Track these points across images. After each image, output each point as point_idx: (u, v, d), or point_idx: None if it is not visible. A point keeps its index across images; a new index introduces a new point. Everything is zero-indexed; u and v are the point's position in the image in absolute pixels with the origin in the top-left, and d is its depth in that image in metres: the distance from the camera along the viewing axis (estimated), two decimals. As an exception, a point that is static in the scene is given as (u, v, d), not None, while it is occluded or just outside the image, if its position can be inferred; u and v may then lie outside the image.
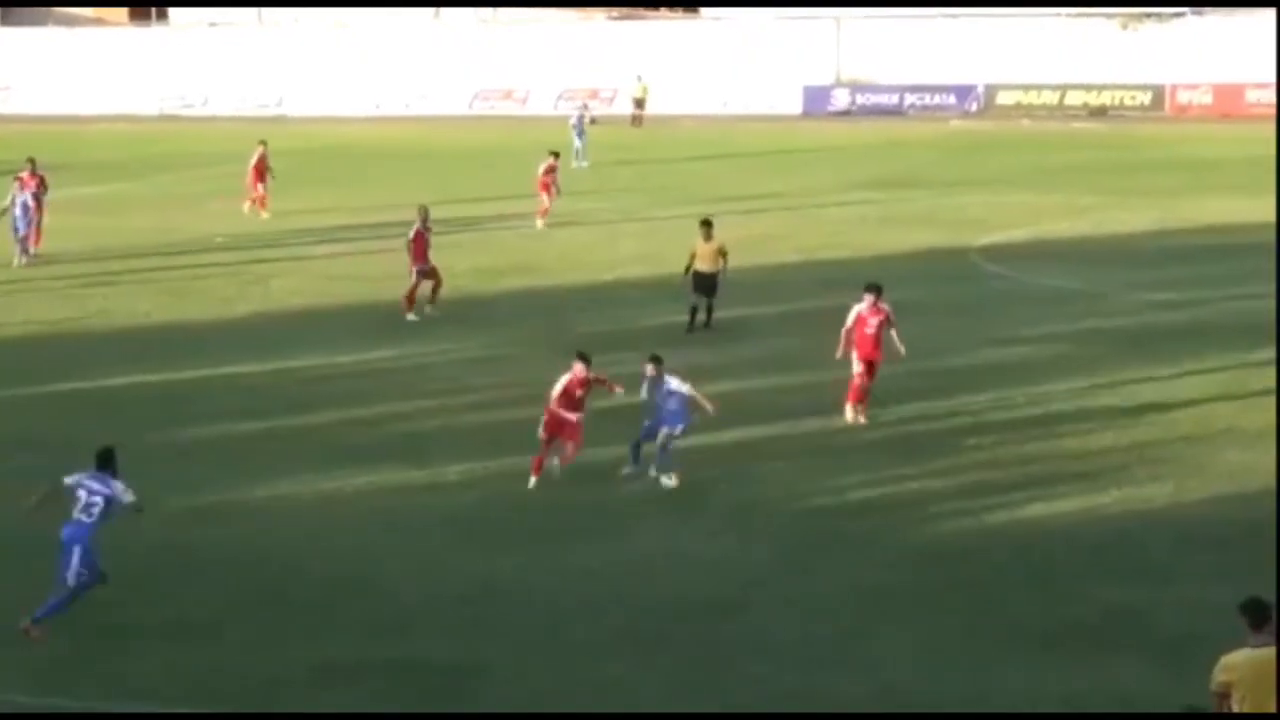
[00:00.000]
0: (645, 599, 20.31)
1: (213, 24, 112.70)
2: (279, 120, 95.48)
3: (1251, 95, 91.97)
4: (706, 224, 35.53)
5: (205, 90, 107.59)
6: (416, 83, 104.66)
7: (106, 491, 19.12)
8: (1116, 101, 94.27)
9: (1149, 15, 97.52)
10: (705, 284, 34.96)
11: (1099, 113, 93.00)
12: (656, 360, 25.06)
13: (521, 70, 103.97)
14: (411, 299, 36.98)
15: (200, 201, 58.84)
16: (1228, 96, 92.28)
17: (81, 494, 19.14)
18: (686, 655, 18.64)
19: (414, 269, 36.96)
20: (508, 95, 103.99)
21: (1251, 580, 17.04)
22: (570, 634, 19.28)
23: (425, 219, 37.40)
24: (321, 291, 40.91)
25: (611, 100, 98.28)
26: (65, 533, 19.05)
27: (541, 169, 52.00)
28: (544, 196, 51.55)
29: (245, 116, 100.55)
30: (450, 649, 18.89)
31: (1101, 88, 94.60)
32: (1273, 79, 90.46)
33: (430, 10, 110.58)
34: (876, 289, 27.98)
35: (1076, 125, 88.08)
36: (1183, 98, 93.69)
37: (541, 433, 24.52)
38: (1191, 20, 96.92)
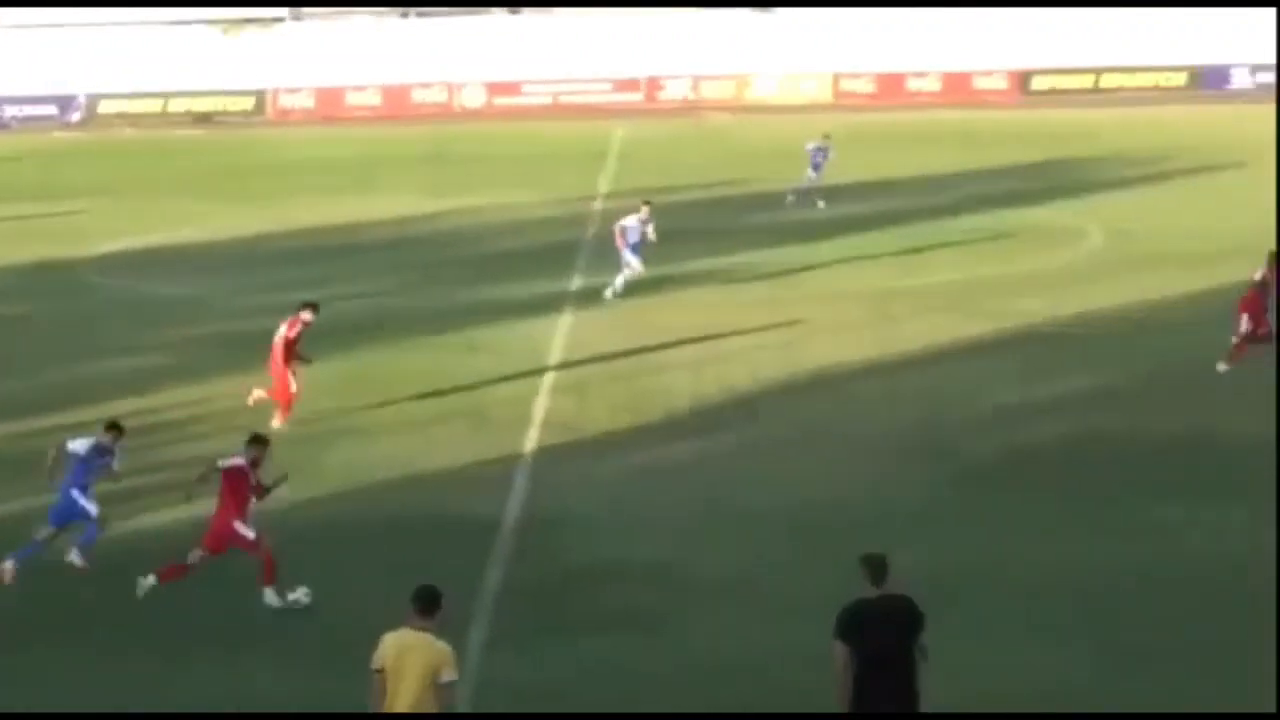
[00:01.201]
0: None
1: None
2: None
3: (352, 98, 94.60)
4: None
5: None
6: None
7: None
8: (220, 108, 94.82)
9: (250, 21, 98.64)
10: None
11: (204, 119, 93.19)
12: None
13: None
14: None
15: None
16: (329, 100, 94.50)
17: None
18: None
19: None
20: None
21: (396, 575, 17.80)
22: None
23: None
24: None
25: None
26: None
27: None
28: None
29: None
30: None
31: (205, 94, 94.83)
32: (373, 81, 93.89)
33: None
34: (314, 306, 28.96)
35: (180, 133, 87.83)
36: (285, 102, 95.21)
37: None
38: (291, 26, 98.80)
